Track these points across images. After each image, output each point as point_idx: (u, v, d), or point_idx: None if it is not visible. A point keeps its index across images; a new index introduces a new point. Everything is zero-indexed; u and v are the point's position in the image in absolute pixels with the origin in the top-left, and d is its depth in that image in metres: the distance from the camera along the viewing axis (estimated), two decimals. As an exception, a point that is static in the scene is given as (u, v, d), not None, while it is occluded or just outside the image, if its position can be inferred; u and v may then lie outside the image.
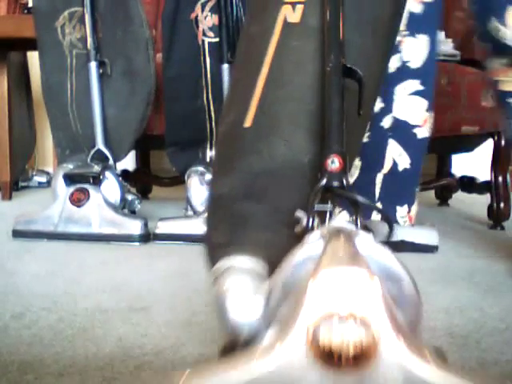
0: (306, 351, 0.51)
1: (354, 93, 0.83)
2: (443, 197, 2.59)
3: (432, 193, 2.64)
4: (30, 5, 2.44)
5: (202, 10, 1.91)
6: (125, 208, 1.86)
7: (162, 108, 2.03)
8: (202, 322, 1.05)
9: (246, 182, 0.86)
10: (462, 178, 2.32)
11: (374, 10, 0.99)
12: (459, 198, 2.55)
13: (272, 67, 0.91)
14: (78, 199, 1.76)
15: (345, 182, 0.72)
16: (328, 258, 0.57)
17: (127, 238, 1.72)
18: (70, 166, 1.86)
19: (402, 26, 1.35)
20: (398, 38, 1.37)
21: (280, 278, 0.64)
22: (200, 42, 1.92)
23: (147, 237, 1.75)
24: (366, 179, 1.40)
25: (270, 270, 0.70)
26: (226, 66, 1.83)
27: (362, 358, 0.51)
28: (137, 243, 1.72)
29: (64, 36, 1.94)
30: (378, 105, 1.38)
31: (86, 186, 1.77)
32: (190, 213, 1.87)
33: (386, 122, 1.39)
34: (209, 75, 1.93)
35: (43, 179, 3.14)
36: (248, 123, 0.88)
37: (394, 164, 1.40)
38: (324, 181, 0.73)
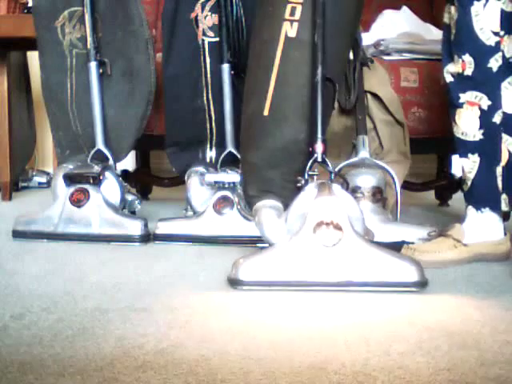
0: (310, 236, 1.26)
1: (330, 92, 1.42)
2: (443, 197, 2.59)
3: (432, 193, 2.64)
4: (30, 4, 2.43)
5: (202, 10, 1.91)
6: (125, 208, 1.85)
7: (162, 108, 2.03)
8: (201, 322, 1.05)
9: (267, 157, 1.43)
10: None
11: (340, 15, 1.38)
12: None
13: (279, 70, 1.36)
14: (77, 199, 1.76)
15: (325, 158, 1.36)
16: (320, 193, 1.30)
17: (127, 239, 1.72)
18: (70, 167, 1.85)
19: (497, 27, 1.43)
20: (497, 39, 1.43)
21: (292, 209, 1.33)
22: (200, 42, 1.92)
23: (147, 237, 1.74)
24: (487, 174, 1.50)
25: (285, 207, 1.38)
26: (225, 66, 1.83)
27: (336, 242, 1.26)
28: (137, 243, 1.72)
29: (64, 36, 1.93)
30: (486, 102, 1.46)
31: (86, 186, 1.77)
32: (190, 213, 1.87)
33: (497, 118, 1.47)
34: (209, 75, 1.93)
35: (43, 179, 3.14)
36: (266, 112, 1.39)
37: (510, 156, 1.48)
38: (313, 157, 1.36)
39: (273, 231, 1.35)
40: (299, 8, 1.31)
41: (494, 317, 1.09)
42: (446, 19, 1.53)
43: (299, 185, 1.36)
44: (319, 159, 1.36)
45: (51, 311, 1.08)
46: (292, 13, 1.32)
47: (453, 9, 1.48)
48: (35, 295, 1.18)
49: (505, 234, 1.53)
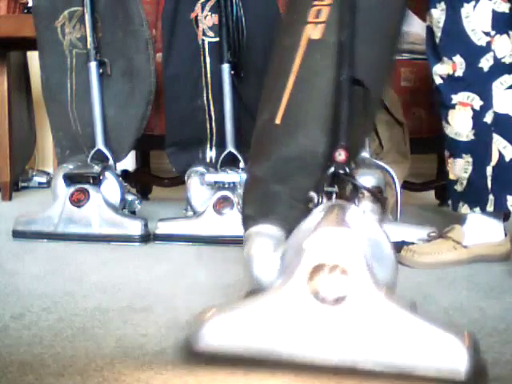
0: (303, 286, 0.81)
1: (360, 98, 1.09)
2: (443, 197, 2.58)
3: (432, 193, 2.64)
4: (30, 4, 2.44)
5: (202, 10, 1.91)
6: (125, 208, 1.85)
7: (162, 108, 2.03)
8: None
9: (275, 168, 1.12)
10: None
11: (382, 22, 1.20)
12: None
13: (298, 76, 1.16)
14: (77, 199, 1.76)
15: (348, 170, 0.97)
16: (324, 221, 0.87)
17: (127, 239, 1.72)
18: (70, 167, 1.86)
19: (488, 27, 1.42)
20: (488, 39, 1.43)
21: (290, 241, 0.94)
22: (200, 42, 1.92)
23: (147, 237, 1.74)
24: (477, 174, 1.49)
25: (287, 236, 0.99)
26: (225, 66, 1.83)
27: (341, 297, 0.79)
28: (137, 243, 1.72)
29: (64, 36, 1.93)
30: (478, 103, 1.46)
31: (86, 186, 1.77)
32: (190, 213, 1.87)
33: (488, 118, 1.46)
34: (209, 75, 1.93)
35: (43, 179, 3.14)
36: (278, 120, 1.14)
37: (501, 156, 1.47)
38: (332, 169, 0.97)
39: (263, 271, 0.98)
40: (326, 10, 1.23)
41: (494, 317, 1.09)
42: (428, 22, 1.54)
43: (310, 205, 0.98)
44: (340, 170, 0.97)
45: (51, 311, 1.08)
46: (317, 15, 1.25)
47: (434, 12, 1.48)
48: (35, 295, 1.18)
49: (505, 234, 1.53)
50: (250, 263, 1.00)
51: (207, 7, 1.90)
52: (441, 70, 1.50)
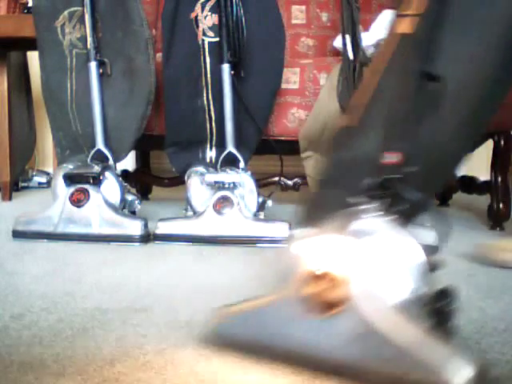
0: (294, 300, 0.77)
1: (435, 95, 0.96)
2: (443, 197, 2.58)
3: (432, 193, 2.63)
4: (30, 4, 2.44)
5: (202, 10, 1.91)
6: (125, 208, 1.85)
7: (162, 108, 2.03)
8: (201, 322, 1.05)
9: (334, 171, 1.02)
10: (462, 178, 2.32)
11: (487, 15, 1.00)
12: (459, 198, 2.55)
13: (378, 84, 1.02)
14: (77, 199, 1.76)
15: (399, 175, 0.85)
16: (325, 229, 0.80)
17: (127, 239, 1.72)
18: (70, 167, 1.86)
19: None
20: None
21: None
22: (200, 42, 1.92)
23: (147, 237, 1.74)
24: None
25: None
26: (225, 66, 1.83)
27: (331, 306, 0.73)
28: (137, 243, 1.72)
29: (64, 36, 1.93)
30: None
31: (86, 186, 1.77)
32: (190, 213, 1.87)
33: None
34: (209, 75, 1.93)
35: (43, 179, 3.14)
36: (354, 122, 1.03)
37: None
38: (380, 174, 0.86)
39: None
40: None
41: (494, 317, 1.09)
42: None
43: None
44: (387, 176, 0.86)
45: (51, 311, 1.08)
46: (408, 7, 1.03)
47: None
48: (35, 295, 1.18)
49: None
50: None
51: (207, 7, 1.90)
52: None
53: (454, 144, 1.05)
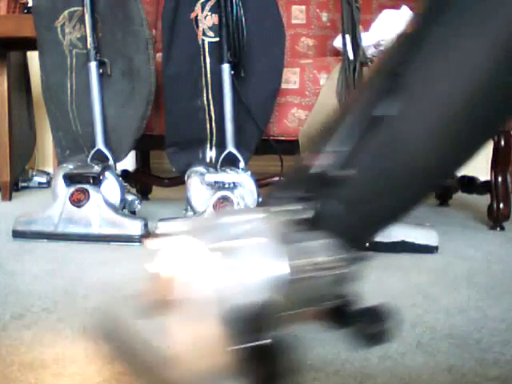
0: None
1: None
2: (443, 197, 2.58)
3: (432, 193, 2.63)
4: (30, 4, 2.44)
5: (202, 10, 1.91)
6: (125, 208, 1.85)
7: (161, 108, 2.03)
8: (202, 322, 1.05)
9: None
10: (462, 178, 2.32)
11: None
12: (459, 198, 2.55)
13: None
14: (77, 199, 1.76)
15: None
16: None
17: (127, 239, 1.72)
18: (70, 167, 1.86)
19: None
20: None
21: None
22: (200, 42, 1.92)
23: (147, 237, 1.74)
24: None
25: None
26: (225, 66, 1.83)
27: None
28: (137, 243, 1.72)
29: (64, 36, 1.93)
30: None
31: (86, 186, 1.77)
32: (190, 213, 1.87)
33: None
34: (209, 75, 1.93)
35: (43, 179, 3.14)
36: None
37: None
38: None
39: None
40: None
41: (494, 317, 1.09)
42: None
43: None
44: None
45: (51, 311, 1.08)
46: None
47: None
48: (35, 295, 1.18)
49: None
50: None
51: (207, 7, 1.90)
52: None
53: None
